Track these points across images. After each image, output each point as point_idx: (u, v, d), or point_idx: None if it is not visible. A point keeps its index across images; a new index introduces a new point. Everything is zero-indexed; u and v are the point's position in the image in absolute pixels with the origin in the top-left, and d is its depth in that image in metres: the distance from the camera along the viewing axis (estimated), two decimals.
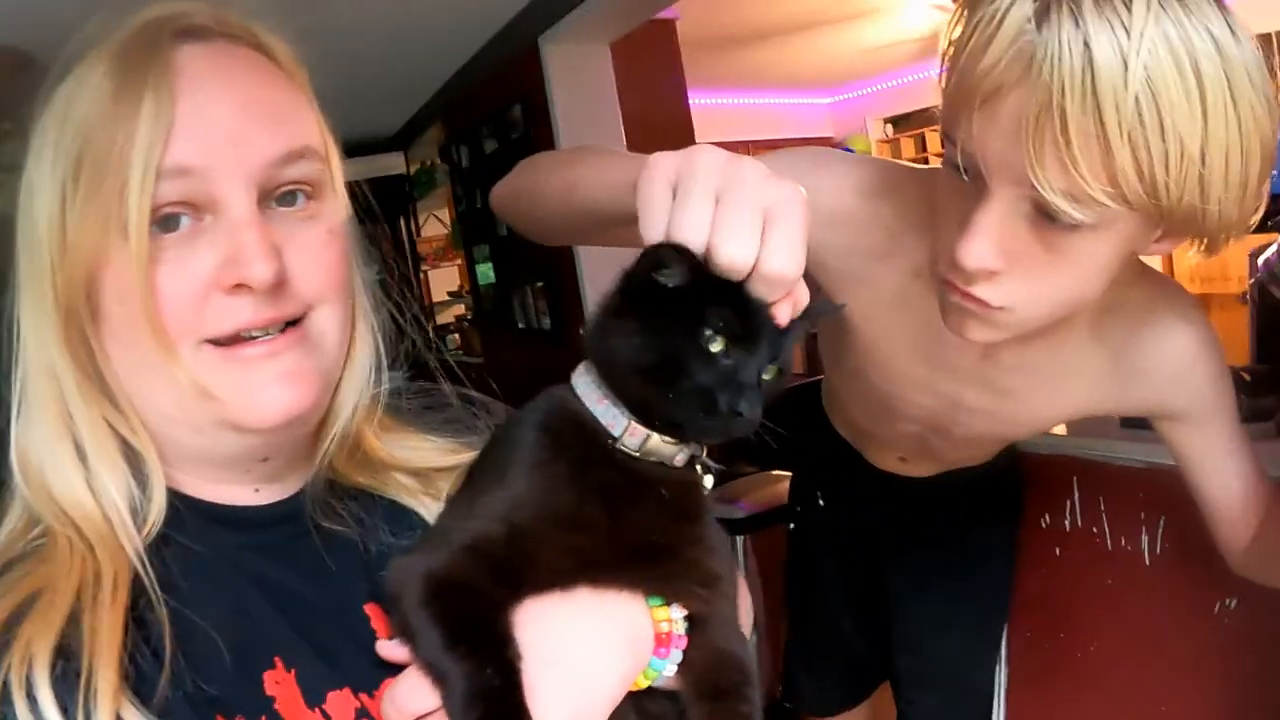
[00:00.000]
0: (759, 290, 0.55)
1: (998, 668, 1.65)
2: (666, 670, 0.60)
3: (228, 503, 0.65)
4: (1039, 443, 1.59)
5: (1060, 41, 0.71)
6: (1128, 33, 0.70)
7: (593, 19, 3.20)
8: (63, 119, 0.58)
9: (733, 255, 0.53)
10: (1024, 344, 1.00)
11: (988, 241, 0.80)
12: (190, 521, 0.62)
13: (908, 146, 8.32)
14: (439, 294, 6.66)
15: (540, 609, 0.57)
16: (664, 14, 3.61)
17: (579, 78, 3.51)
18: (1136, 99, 0.70)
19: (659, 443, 0.58)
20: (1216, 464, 1.05)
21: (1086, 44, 0.70)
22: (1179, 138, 0.72)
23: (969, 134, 0.78)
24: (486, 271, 4.91)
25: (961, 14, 0.80)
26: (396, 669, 0.58)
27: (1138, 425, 1.44)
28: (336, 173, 0.66)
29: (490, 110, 4.10)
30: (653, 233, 0.56)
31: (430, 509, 0.71)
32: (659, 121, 3.86)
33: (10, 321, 0.62)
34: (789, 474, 1.79)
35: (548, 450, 0.59)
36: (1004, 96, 0.75)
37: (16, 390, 0.62)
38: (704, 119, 4.61)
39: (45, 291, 0.59)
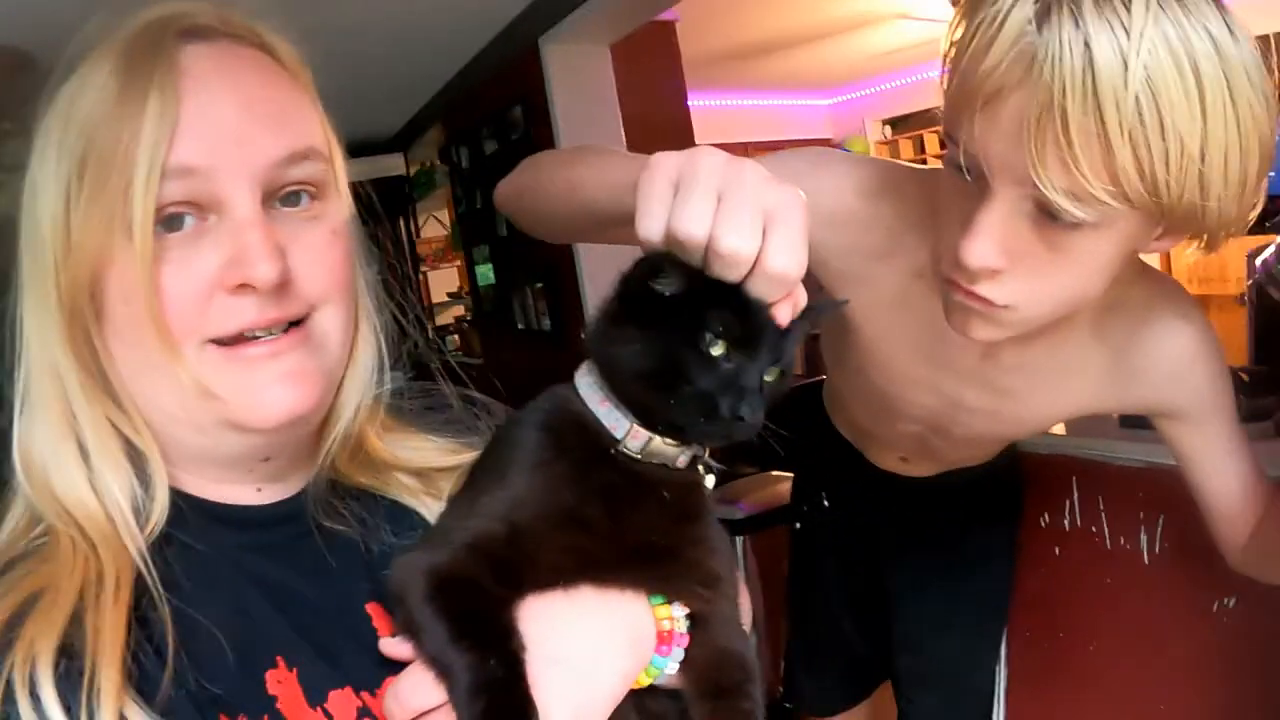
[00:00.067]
0: (760, 290, 0.55)
1: (997, 667, 1.65)
2: (668, 668, 0.60)
3: (230, 502, 0.65)
4: (1038, 442, 1.59)
5: (1061, 42, 0.71)
6: (1127, 33, 0.71)
7: (593, 20, 3.21)
8: (66, 118, 0.58)
9: (735, 246, 0.53)
10: (1025, 343, 1.00)
11: (990, 240, 0.81)
12: (193, 521, 0.62)
13: (906, 148, 8.32)
14: (438, 295, 6.66)
15: (543, 607, 0.57)
16: (664, 15, 3.62)
17: (579, 79, 3.51)
18: (1137, 99, 0.71)
19: (661, 445, 0.58)
20: (1216, 462, 1.06)
21: (1087, 45, 0.71)
22: (1179, 136, 0.72)
23: (971, 134, 0.79)
24: (486, 272, 4.91)
25: (963, 16, 0.80)
26: (398, 668, 0.58)
27: (1137, 425, 1.44)
28: (340, 173, 0.66)
29: (490, 111, 4.11)
30: (650, 226, 0.56)
31: (431, 509, 0.71)
32: (659, 122, 3.87)
33: (13, 321, 0.62)
34: (789, 475, 1.79)
35: (549, 450, 0.59)
36: (1006, 97, 0.75)
37: (19, 389, 0.62)
38: (703, 120, 4.62)
39: (49, 291, 0.59)
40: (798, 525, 1.69)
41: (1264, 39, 0.77)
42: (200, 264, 0.58)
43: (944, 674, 1.58)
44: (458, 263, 6.36)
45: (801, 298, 0.58)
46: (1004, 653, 1.66)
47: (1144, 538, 1.49)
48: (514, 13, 3.37)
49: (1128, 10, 0.71)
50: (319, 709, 0.59)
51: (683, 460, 0.59)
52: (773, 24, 5.36)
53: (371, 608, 0.65)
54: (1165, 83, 0.71)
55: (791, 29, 5.47)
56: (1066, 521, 1.60)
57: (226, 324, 0.59)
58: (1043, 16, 0.73)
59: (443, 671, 0.54)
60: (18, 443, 0.62)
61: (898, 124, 8.51)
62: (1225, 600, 1.39)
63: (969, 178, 0.82)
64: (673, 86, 4.07)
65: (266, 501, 0.67)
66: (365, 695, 0.61)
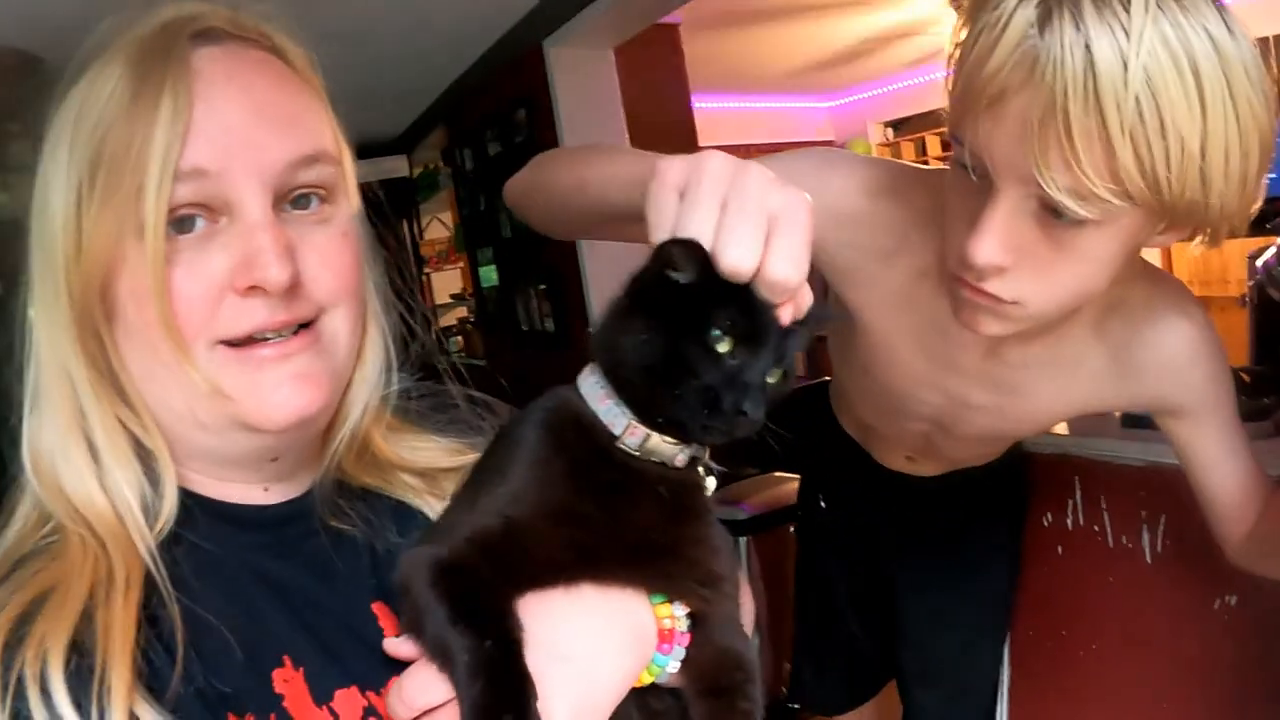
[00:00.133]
0: (762, 293, 0.56)
1: (1000, 665, 1.66)
2: (669, 667, 0.60)
3: (237, 501, 0.66)
4: (1041, 442, 1.59)
5: (1062, 45, 0.72)
6: (1127, 35, 0.72)
7: (597, 23, 3.21)
8: (78, 119, 0.58)
9: (736, 260, 0.54)
10: (1029, 342, 1.01)
11: (997, 239, 0.82)
12: (201, 520, 0.62)
13: (908, 150, 8.32)
14: (441, 296, 6.66)
15: (545, 605, 0.57)
16: (667, 19, 3.62)
17: (583, 81, 3.52)
18: (1137, 99, 0.72)
19: (659, 442, 0.58)
20: (1216, 458, 1.07)
21: (1088, 47, 0.72)
22: (1179, 135, 0.73)
23: (976, 135, 0.80)
24: (490, 274, 4.92)
25: (966, 20, 0.81)
26: (404, 667, 0.58)
27: (1139, 424, 1.45)
28: (349, 176, 0.66)
29: (495, 113, 4.11)
30: (660, 237, 0.57)
31: (435, 509, 0.71)
32: (662, 125, 3.88)
33: (21, 320, 0.62)
34: (792, 476, 1.79)
35: (547, 448, 0.60)
36: (1009, 99, 0.76)
37: (29, 388, 0.62)
38: (707, 122, 4.62)
39: (59, 290, 0.59)
40: (792, 529, 1.70)
41: (1263, 40, 0.77)
42: (211, 266, 0.58)
43: (947, 672, 1.58)
44: (461, 264, 6.37)
45: (806, 300, 0.58)
46: (1007, 651, 1.66)
47: (1146, 537, 1.49)
48: (518, 15, 3.38)
49: (1127, 12, 0.72)
50: (325, 708, 0.59)
51: (681, 459, 0.60)
52: (773, 21, 5.34)
53: (377, 607, 0.66)
54: (1165, 82, 0.72)
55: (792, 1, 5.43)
56: (1069, 521, 1.61)
57: (237, 326, 0.59)
58: (1044, 20, 0.74)
59: (443, 657, 0.55)
60: (27, 441, 0.62)
61: (899, 126, 8.51)
62: (1227, 598, 1.39)
63: (975, 177, 0.83)
64: (676, 89, 4.08)
65: (274, 501, 0.67)
66: (371, 694, 0.61)
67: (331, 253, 0.63)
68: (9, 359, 0.63)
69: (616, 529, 0.58)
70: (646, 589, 0.60)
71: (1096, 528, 1.57)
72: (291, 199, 0.62)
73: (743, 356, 0.56)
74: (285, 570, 0.64)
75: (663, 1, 3.15)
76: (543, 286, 4.13)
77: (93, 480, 0.60)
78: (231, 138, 0.58)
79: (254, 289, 0.58)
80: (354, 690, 0.61)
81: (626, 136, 3.53)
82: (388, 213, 0.73)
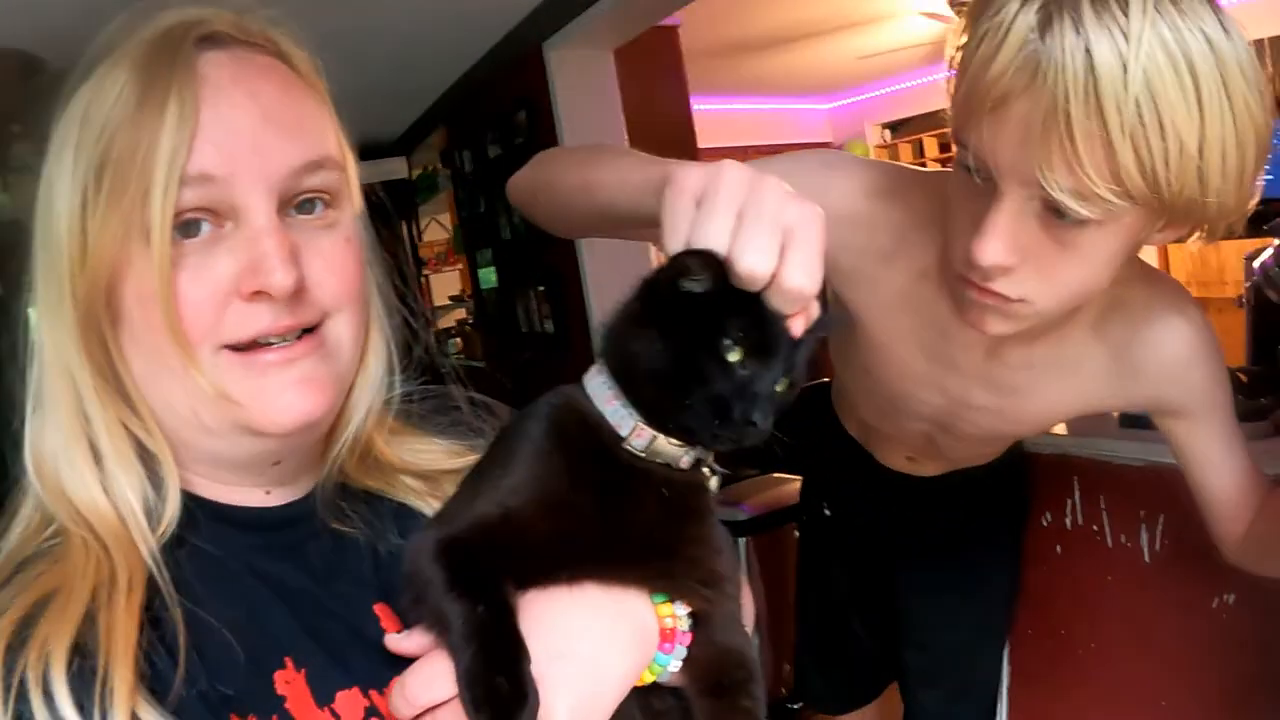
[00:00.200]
0: (776, 303, 0.57)
1: (1001, 664, 1.66)
2: (671, 666, 0.60)
3: (240, 504, 0.66)
4: (1040, 442, 1.60)
5: (1063, 49, 0.74)
6: (1126, 38, 0.73)
7: (597, 25, 3.22)
8: (83, 122, 0.58)
9: (752, 265, 0.55)
10: (1029, 342, 1.02)
11: (1001, 239, 0.83)
12: (203, 523, 0.62)
13: (905, 152, 8.33)
14: (440, 298, 6.66)
15: (547, 603, 0.57)
16: (667, 21, 3.64)
17: (583, 83, 3.53)
18: (1136, 101, 0.73)
19: (665, 444, 0.59)
20: (1214, 458, 1.07)
21: (1088, 50, 0.73)
22: (1178, 135, 0.75)
23: (979, 138, 0.81)
24: (489, 275, 4.92)
25: (968, 24, 0.83)
26: (405, 668, 0.58)
27: (1138, 424, 1.45)
28: (353, 181, 0.67)
29: (494, 115, 4.12)
30: (675, 243, 0.58)
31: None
32: (662, 126, 3.88)
33: (24, 322, 0.62)
34: (792, 477, 1.80)
35: (551, 443, 0.60)
36: (1011, 103, 0.78)
37: (32, 390, 0.62)
38: (705, 124, 4.63)
39: (64, 293, 0.59)
40: (797, 533, 1.70)
41: (1259, 42, 0.78)
42: (216, 270, 0.58)
43: (948, 671, 1.59)
44: (460, 266, 6.36)
45: (814, 310, 0.59)
46: (1006, 650, 1.66)
47: (1144, 536, 1.50)
48: (518, 17, 3.39)
49: (1125, 15, 0.73)
50: (327, 709, 0.59)
51: (686, 461, 0.60)
52: (774, 23, 5.36)
53: (379, 608, 0.66)
54: (1163, 84, 0.74)
55: (792, 24, 5.46)
56: (1068, 520, 1.61)
57: (241, 330, 0.59)
58: (1045, 24, 0.75)
59: (441, 626, 0.55)
60: (30, 443, 0.62)
61: (897, 128, 8.51)
62: (1225, 597, 1.39)
63: (978, 179, 0.84)
64: (675, 91, 4.09)
65: (276, 504, 0.67)
66: (373, 695, 0.61)
67: (335, 258, 0.63)
68: (11, 361, 0.63)
69: (619, 527, 0.59)
70: (648, 588, 0.60)
71: (1095, 527, 1.57)
72: (296, 204, 0.62)
73: (753, 367, 0.56)
74: (287, 572, 0.64)
75: (663, 3, 3.16)
76: (542, 288, 4.14)
77: (95, 483, 0.60)
78: (237, 143, 0.58)
79: (259, 294, 0.58)
80: (355, 691, 0.61)
81: (626, 138, 3.54)
82: (391, 215, 0.74)
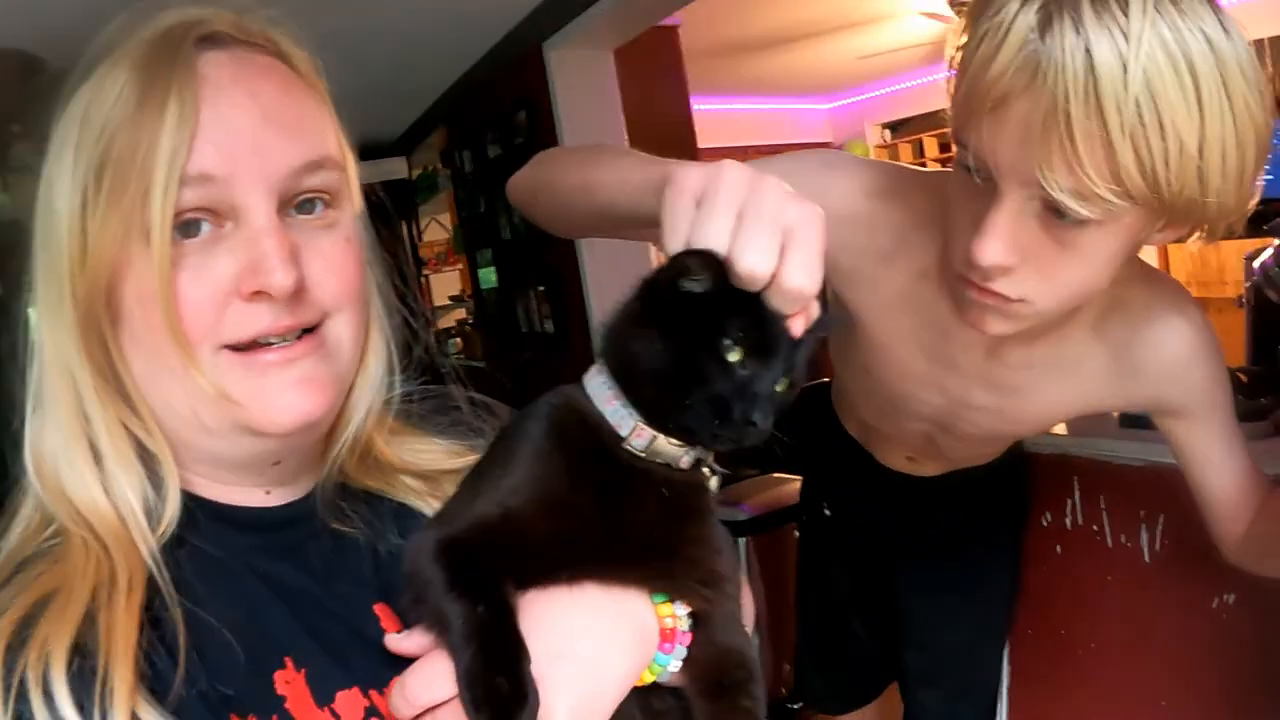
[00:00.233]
0: (776, 303, 0.57)
1: (1001, 664, 1.66)
2: (671, 666, 0.60)
3: (240, 504, 0.66)
4: (1040, 442, 1.60)
5: (1063, 49, 0.74)
6: (1126, 38, 0.73)
7: (597, 25, 3.22)
8: (83, 122, 0.58)
9: (751, 265, 0.55)
10: (1029, 342, 1.02)
11: (1002, 239, 0.83)
12: (203, 523, 0.62)
13: (905, 152, 8.33)
14: (440, 298, 6.66)
15: (547, 602, 0.57)
16: (667, 21, 3.64)
17: (583, 83, 3.53)
18: (1136, 101, 0.73)
19: (665, 444, 0.59)
20: (1213, 457, 1.08)
21: (1088, 51, 0.73)
22: (1178, 135, 0.75)
23: (980, 139, 0.82)
24: (489, 275, 4.92)
25: (968, 24, 0.83)
26: (405, 668, 0.58)
27: (1137, 424, 1.45)
28: (353, 181, 0.67)
29: (494, 115, 4.12)
30: (675, 243, 0.58)
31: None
32: (662, 126, 3.89)
33: (24, 322, 0.62)
34: (791, 477, 1.80)
35: (550, 442, 0.60)
36: (1012, 103, 0.78)
37: (31, 390, 0.62)
38: (705, 124, 4.63)
39: (64, 293, 0.59)
40: (797, 534, 1.70)
41: (1259, 42, 0.79)
42: (216, 270, 0.58)
43: (949, 671, 1.59)
44: (460, 266, 6.37)
45: (814, 311, 0.59)
46: (1006, 650, 1.67)
47: (1144, 536, 1.50)
48: (518, 17, 3.39)
49: (1125, 16, 0.73)
50: (326, 709, 0.59)
51: (686, 461, 0.60)
52: (774, 23, 5.37)
53: (379, 608, 0.66)
54: (1163, 84, 0.74)
55: (792, 24, 5.47)
56: (1068, 520, 1.61)
57: (241, 330, 0.59)
58: (1045, 25, 0.75)
59: (441, 626, 0.55)
60: (30, 443, 0.62)
61: (897, 128, 8.52)
62: (1225, 596, 1.40)
63: (978, 179, 0.85)
64: (675, 91, 4.10)
65: (276, 504, 0.67)
66: (373, 695, 0.61)
67: (335, 258, 0.63)
68: (12, 361, 0.63)
69: (619, 527, 0.59)
70: (648, 588, 0.60)
71: (1095, 527, 1.57)
72: (296, 204, 0.62)
73: (753, 367, 0.56)
74: (287, 572, 0.64)
75: (663, 3, 3.16)
76: (542, 288, 4.14)
77: (95, 483, 0.60)
78: (238, 143, 0.58)
79: (259, 294, 0.58)
80: (355, 691, 0.61)
81: (626, 138, 3.54)
82: (391, 215, 0.74)
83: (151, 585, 0.57)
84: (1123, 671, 1.56)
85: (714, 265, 0.56)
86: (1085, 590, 1.59)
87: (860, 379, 1.28)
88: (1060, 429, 1.62)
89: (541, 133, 3.69)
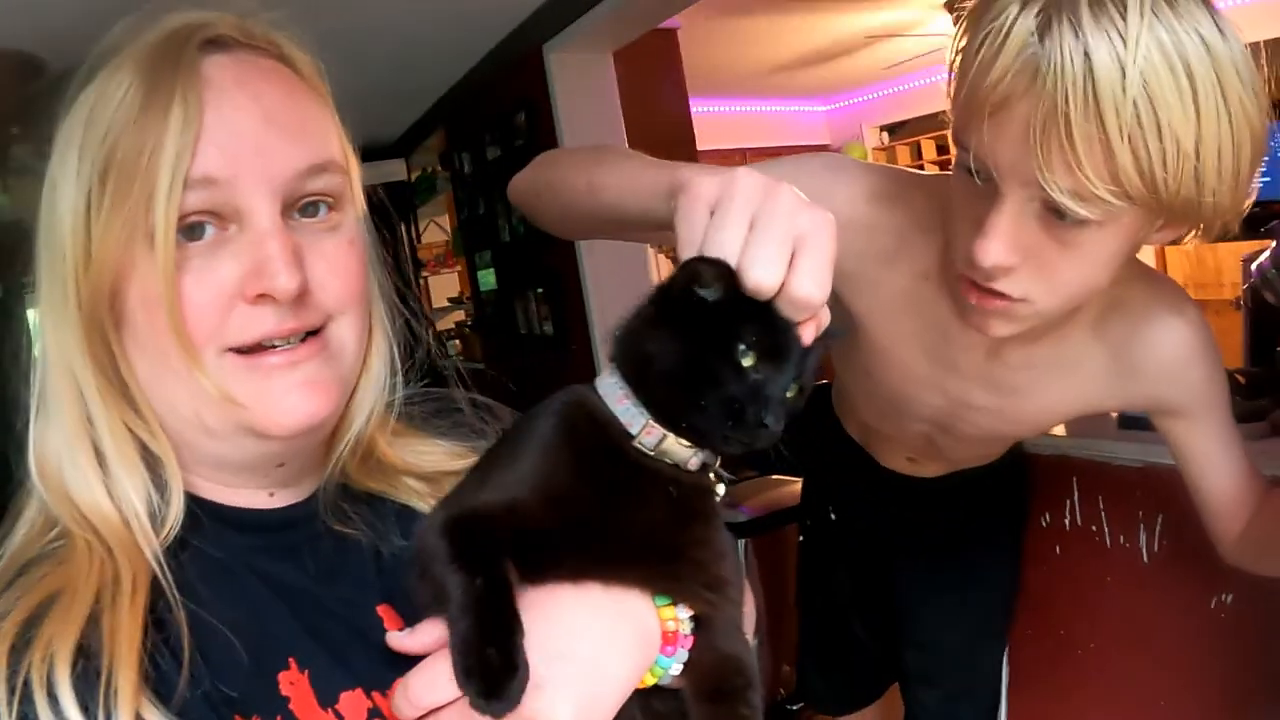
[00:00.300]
0: (785, 311, 0.58)
1: (1001, 664, 1.66)
2: (672, 669, 0.60)
3: (243, 506, 0.66)
4: (1039, 443, 1.60)
5: (1062, 53, 0.75)
6: (1124, 41, 0.74)
7: (596, 28, 3.23)
8: (87, 125, 0.58)
9: (759, 278, 0.56)
10: (1029, 343, 1.02)
11: (1003, 240, 0.84)
12: (207, 525, 0.63)
13: (903, 154, 8.32)
14: (439, 300, 6.66)
15: (550, 603, 0.57)
16: (666, 23, 3.64)
17: (582, 85, 3.54)
18: (1134, 103, 0.74)
19: (674, 444, 0.59)
20: (1212, 457, 1.08)
21: (1087, 54, 0.74)
22: (1175, 136, 0.76)
23: (980, 141, 0.82)
24: (488, 277, 4.92)
25: (967, 28, 0.84)
26: (408, 669, 0.58)
27: (1136, 425, 1.45)
28: (356, 183, 0.67)
29: (494, 117, 4.12)
30: (689, 252, 0.59)
31: None
32: (661, 128, 3.90)
33: (25, 324, 0.62)
34: (791, 479, 1.80)
35: (559, 437, 0.60)
36: (1012, 106, 0.79)
37: (35, 392, 0.62)
38: (705, 126, 4.64)
39: (68, 296, 0.59)
40: (801, 538, 1.71)
41: (1255, 45, 0.79)
42: (220, 273, 0.58)
43: (949, 672, 1.59)
44: (459, 268, 6.36)
45: (825, 318, 0.60)
46: (1006, 650, 1.67)
47: (1143, 536, 1.50)
48: (518, 20, 3.39)
49: (1123, 19, 0.74)
50: (330, 710, 0.59)
51: (695, 463, 0.60)
52: (774, 28, 5.37)
53: (382, 610, 0.66)
54: (1160, 86, 0.75)
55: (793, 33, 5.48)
56: (1067, 521, 1.61)
57: (245, 333, 0.59)
58: (1044, 28, 0.76)
59: (442, 599, 0.56)
60: (33, 446, 0.62)
61: (895, 130, 8.52)
62: (1223, 597, 1.40)
63: (979, 181, 0.85)
64: (675, 93, 4.11)
65: (279, 506, 0.67)
66: (376, 696, 0.61)
67: (339, 260, 0.63)
68: (15, 363, 0.63)
69: (625, 525, 0.59)
70: (651, 589, 0.60)
71: (1094, 528, 1.58)
72: (299, 207, 0.62)
73: (766, 371, 0.57)
74: (290, 573, 0.64)
75: (662, 5, 3.17)
76: (541, 290, 4.14)
77: (99, 486, 0.60)
78: (241, 146, 0.58)
79: (263, 297, 0.58)
80: (359, 692, 0.61)
81: (625, 140, 3.54)
82: (392, 216, 0.74)
83: (155, 587, 0.57)
84: (1122, 671, 1.56)
85: (725, 274, 0.57)
86: (1084, 590, 1.60)
87: (861, 381, 1.28)
88: (1060, 430, 1.62)
89: (541, 135, 3.69)
